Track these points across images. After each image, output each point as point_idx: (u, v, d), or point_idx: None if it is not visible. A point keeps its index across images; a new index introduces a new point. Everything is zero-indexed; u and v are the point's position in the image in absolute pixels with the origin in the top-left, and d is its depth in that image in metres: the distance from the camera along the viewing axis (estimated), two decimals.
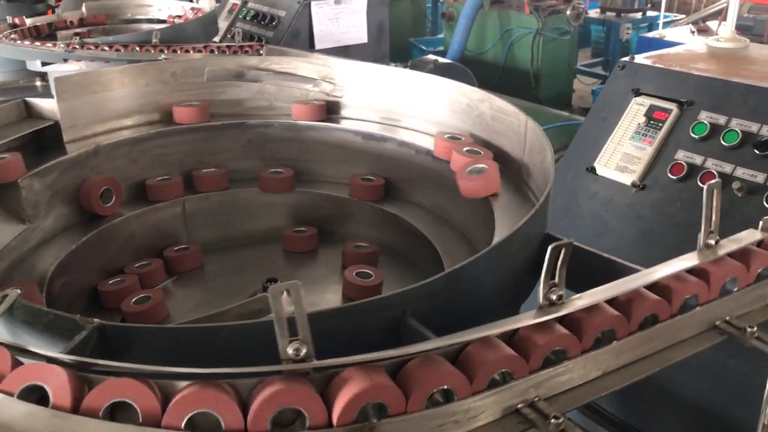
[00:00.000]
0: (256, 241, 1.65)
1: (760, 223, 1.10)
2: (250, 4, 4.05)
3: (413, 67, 4.06)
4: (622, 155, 2.20)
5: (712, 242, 1.02)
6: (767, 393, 1.26)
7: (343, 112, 1.72)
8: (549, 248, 0.85)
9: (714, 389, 1.93)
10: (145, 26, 3.81)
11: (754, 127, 2.00)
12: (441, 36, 9.21)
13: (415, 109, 1.63)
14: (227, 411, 0.74)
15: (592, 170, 2.26)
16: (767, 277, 1.06)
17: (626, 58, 2.39)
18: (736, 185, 1.94)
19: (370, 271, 1.40)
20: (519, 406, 0.85)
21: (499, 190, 1.38)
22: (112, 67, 1.66)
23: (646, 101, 2.23)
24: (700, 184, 2.00)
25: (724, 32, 2.53)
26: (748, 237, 1.07)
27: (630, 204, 2.14)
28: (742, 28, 6.10)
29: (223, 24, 4.15)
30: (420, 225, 1.50)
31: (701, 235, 1.02)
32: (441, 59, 4.10)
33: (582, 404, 0.90)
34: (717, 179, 1.00)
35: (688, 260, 1.01)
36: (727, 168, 1.99)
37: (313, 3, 3.73)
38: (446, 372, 0.79)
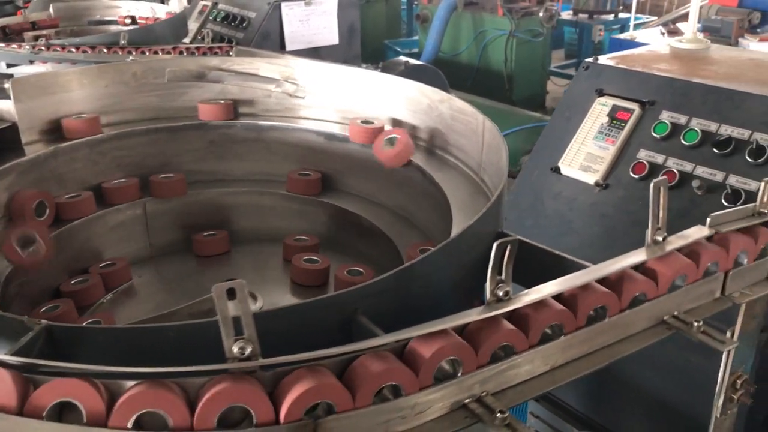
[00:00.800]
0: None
1: (708, 219, 1.12)
2: (220, 6, 4.04)
3: (384, 69, 4.08)
4: (586, 155, 2.23)
5: (660, 238, 1.04)
6: (719, 387, 1.29)
7: (306, 113, 1.72)
8: (495, 245, 0.86)
9: (676, 384, 1.96)
10: (114, 27, 3.77)
11: (713, 126, 2.03)
12: (416, 38, 9.25)
13: (377, 109, 1.64)
14: (174, 410, 0.74)
15: (557, 170, 2.28)
16: (715, 272, 1.09)
17: (590, 59, 2.42)
18: (695, 183, 1.97)
19: (316, 257, 1.44)
20: (466, 401, 0.86)
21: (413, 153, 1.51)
22: (71, 68, 1.64)
23: (609, 101, 2.26)
24: None
25: (686, 33, 2.57)
26: (696, 233, 1.09)
27: (593, 203, 2.16)
28: (709, 30, 6.19)
29: (193, 25, 4.13)
30: (380, 223, 1.51)
31: (649, 232, 1.04)
32: (412, 61, 4.11)
33: (530, 398, 0.91)
34: (663, 177, 1.02)
35: (637, 256, 1.03)
36: (688, 167, 2.03)
37: (283, 4, 3.73)
38: (391, 368, 0.80)
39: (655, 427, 2.06)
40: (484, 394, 0.87)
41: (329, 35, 3.91)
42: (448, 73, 8.67)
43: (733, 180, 1.93)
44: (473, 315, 0.88)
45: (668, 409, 2.00)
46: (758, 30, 6.12)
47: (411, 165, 1.53)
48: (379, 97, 1.64)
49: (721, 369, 1.27)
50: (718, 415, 1.31)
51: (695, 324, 1.01)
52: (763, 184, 1.18)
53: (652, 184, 1.02)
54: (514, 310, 0.91)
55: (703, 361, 1.88)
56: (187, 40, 4.00)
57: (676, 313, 1.04)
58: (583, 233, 2.16)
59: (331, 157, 1.66)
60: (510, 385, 0.90)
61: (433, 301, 1.02)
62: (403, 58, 4.14)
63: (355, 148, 1.63)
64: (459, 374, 0.85)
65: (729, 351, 1.26)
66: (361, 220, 1.56)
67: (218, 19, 3.99)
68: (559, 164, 2.28)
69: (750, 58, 2.38)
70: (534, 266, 1.10)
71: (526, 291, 0.93)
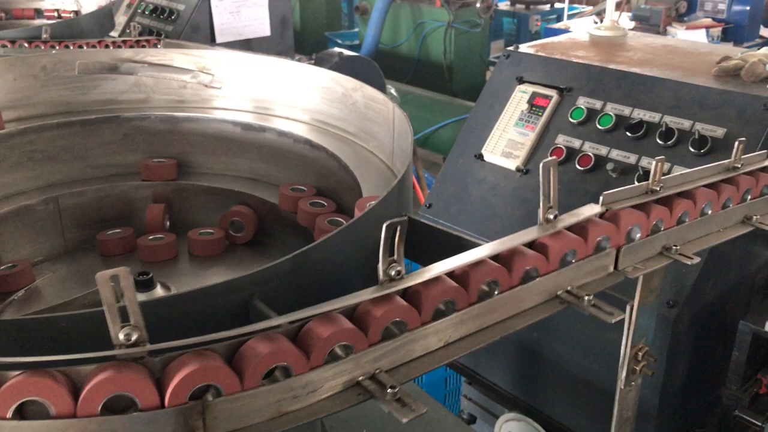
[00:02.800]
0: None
1: (600, 197, 1.17)
2: None
3: (318, 61, 4.06)
4: (507, 141, 2.28)
5: (551, 216, 1.08)
6: (621, 359, 1.34)
7: (221, 103, 1.72)
8: (384, 226, 0.88)
9: (596, 362, 2.03)
10: (37, 21, 3.68)
11: (626, 110, 2.10)
12: (357, 30, 9.25)
13: (293, 98, 1.65)
14: (56, 398, 0.74)
15: (480, 157, 2.33)
16: (606, 248, 1.13)
17: (511, 48, 2.47)
18: (610, 166, 2.03)
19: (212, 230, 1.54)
20: (360, 378, 0.88)
21: None
22: None
23: (529, 89, 2.31)
24: (578, 167, 2.10)
25: (605, 21, 2.64)
26: (587, 211, 1.14)
27: (515, 188, 2.22)
28: (639, 18, 6.38)
29: (122, 19, 4.06)
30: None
31: (540, 211, 1.08)
32: (346, 52, 4.10)
33: (425, 373, 0.93)
34: (553, 158, 1.06)
35: (529, 234, 1.06)
36: (603, 150, 2.09)
37: None
38: (279, 349, 0.81)
39: (577, 403, 2.13)
40: (377, 371, 0.89)
41: (260, 27, 3.88)
42: (388, 64, 8.69)
43: (645, 162, 2.00)
44: (366, 295, 0.90)
45: (590, 385, 2.06)
46: (685, 18, 6.33)
47: (327, 154, 1.54)
48: (295, 86, 1.65)
49: (623, 342, 1.33)
50: (623, 387, 1.36)
51: (586, 298, 1.05)
52: (654, 163, 1.23)
53: (541, 165, 1.05)
54: (406, 289, 0.94)
55: (620, 339, 1.95)
56: (115, 33, 3.93)
57: (569, 287, 1.08)
58: (505, 217, 2.21)
59: (249, 147, 1.66)
60: (405, 361, 0.92)
61: (335, 284, 1.04)
62: (337, 50, 4.13)
63: (271, 138, 1.64)
64: (351, 353, 0.87)
65: (630, 324, 1.31)
66: (279, 210, 1.57)
67: (147, 12, 3.92)
68: (483, 151, 2.32)
69: (663, 44, 2.46)
70: (433, 246, 1.13)
71: (419, 270, 0.96)
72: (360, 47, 8.29)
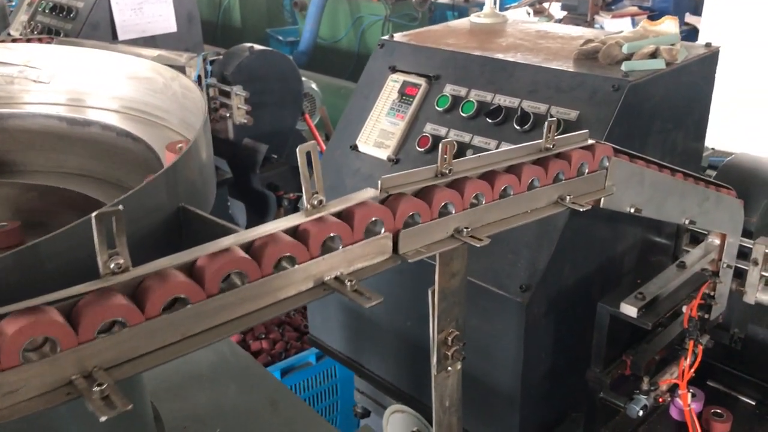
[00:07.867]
0: None
1: (379, 182, 1.15)
2: None
3: (227, 56, 4.01)
4: (380, 131, 2.26)
5: (316, 202, 1.05)
6: (431, 344, 1.32)
7: (48, 98, 1.66)
8: (92, 217, 0.84)
9: (474, 355, 2.01)
10: None
11: (488, 96, 2.09)
12: (298, 26, 9.19)
13: (117, 90, 1.61)
14: None
15: (355, 147, 2.30)
16: (379, 232, 1.10)
17: (386, 37, 2.44)
18: (469, 152, 2.02)
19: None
20: (73, 377, 0.84)
21: None
22: None
23: (400, 78, 2.29)
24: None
25: (485, 8, 2.63)
26: (361, 195, 1.11)
27: None
28: (567, 8, 6.43)
29: (23, 17, 3.96)
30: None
31: (305, 196, 1.05)
32: (257, 46, 4.05)
33: (153, 367, 0.90)
34: (311, 142, 1.03)
35: (293, 220, 1.04)
36: (467, 137, 2.08)
37: None
38: None
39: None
40: (95, 368, 0.85)
41: (166, 23, 3.81)
42: (329, 60, 8.64)
43: (504, 147, 1.99)
44: (81, 289, 0.86)
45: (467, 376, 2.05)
46: (612, 7, 6.39)
47: (146, 146, 1.50)
48: (119, 77, 1.60)
49: (430, 326, 1.31)
50: (436, 373, 1.34)
51: (348, 283, 1.02)
52: (441, 145, 1.21)
53: (298, 150, 1.02)
54: (137, 282, 0.90)
55: (485, 326, 1.94)
56: (16, 32, 3.84)
57: (339, 273, 1.05)
58: None
59: (75, 142, 1.61)
60: (129, 358, 0.88)
61: (77, 280, 0.98)
62: (248, 44, 4.08)
63: (96, 132, 1.59)
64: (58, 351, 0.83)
65: (434, 309, 1.29)
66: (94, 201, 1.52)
67: (47, 11, 3.83)
68: (357, 142, 2.30)
69: (538, 30, 2.45)
70: (207, 237, 1.09)
71: (152, 262, 0.92)
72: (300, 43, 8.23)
